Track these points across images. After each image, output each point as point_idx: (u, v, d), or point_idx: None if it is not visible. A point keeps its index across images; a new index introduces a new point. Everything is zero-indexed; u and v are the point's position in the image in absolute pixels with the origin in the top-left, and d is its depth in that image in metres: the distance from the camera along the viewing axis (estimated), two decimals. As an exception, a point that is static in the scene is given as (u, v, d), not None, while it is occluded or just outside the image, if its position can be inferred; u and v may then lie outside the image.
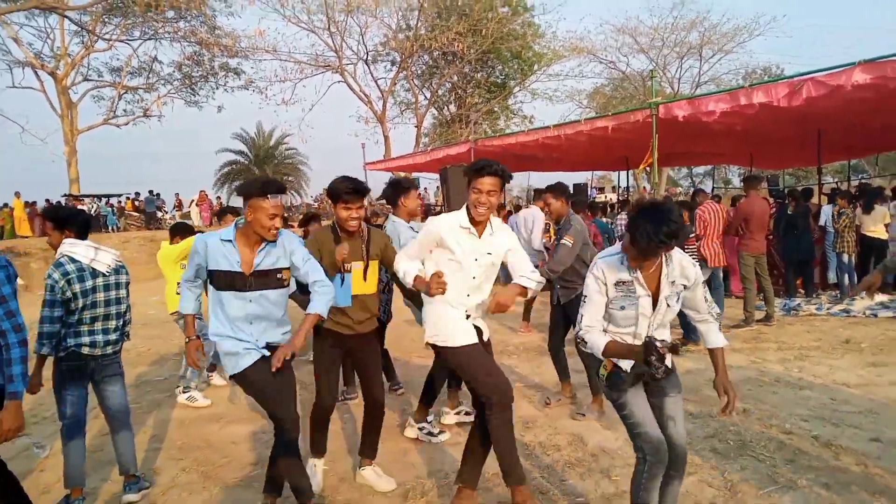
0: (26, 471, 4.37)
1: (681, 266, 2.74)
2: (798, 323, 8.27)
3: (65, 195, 26.96)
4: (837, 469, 3.78)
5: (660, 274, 2.72)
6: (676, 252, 2.74)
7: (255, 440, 4.80)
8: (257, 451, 4.56)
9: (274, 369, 3.14)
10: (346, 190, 3.60)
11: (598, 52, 31.16)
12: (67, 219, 3.71)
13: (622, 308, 2.70)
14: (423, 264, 3.46)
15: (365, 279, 3.75)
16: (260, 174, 41.07)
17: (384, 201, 3.69)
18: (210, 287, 3.26)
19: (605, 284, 2.72)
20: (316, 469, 3.88)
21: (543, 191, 5.53)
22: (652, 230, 2.47)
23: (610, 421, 4.78)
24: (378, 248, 3.82)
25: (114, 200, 28.85)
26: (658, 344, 2.43)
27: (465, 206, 3.31)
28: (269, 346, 3.29)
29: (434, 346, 3.39)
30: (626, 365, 2.74)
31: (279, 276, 3.27)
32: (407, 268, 3.46)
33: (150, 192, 28.39)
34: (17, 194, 24.84)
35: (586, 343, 2.75)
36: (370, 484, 3.84)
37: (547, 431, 4.66)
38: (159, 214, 27.47)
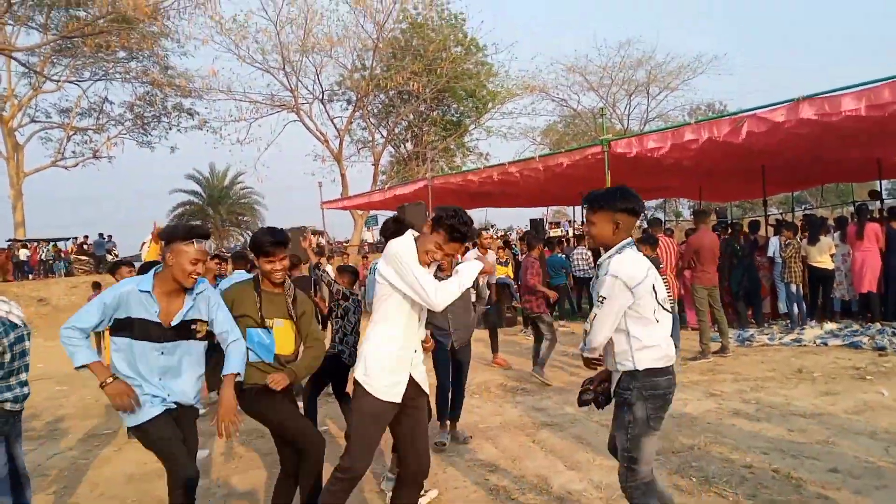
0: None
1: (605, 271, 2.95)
2: (752, 353, 8.42)
3: (9, 240, 26.09)
4: (800, 502, 3.79)
5: None
6: (612, 259, 2.92)
7: (207, 495, 4.60)
8: (211, 507, 4.36)
9: (220, 436, 3.07)
10: (268, 242, 3.42)
11: (549, 90, 32.01)
12: None
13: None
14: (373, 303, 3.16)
15: (285, 339, 3.53)
16: (214, 215, 40.62)
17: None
18: (115, 337, 3.06)
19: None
20: None
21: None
22: None
23: (574, 461, 4.75)
24: (301, 311, 3.55)
25: (62, 244, 27.99)
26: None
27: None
28: (178, 405, 3.16)
29: (356, 385, 3.09)
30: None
31: (193, 326, 3.14)
32: (453, 285, 3.00)
33: (100, 234, 27.68)
34: (-42, 239, 23.92)
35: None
36: None
37: (512, 474, 4.59)
38: (109, 257, 26.70)
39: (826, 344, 8.53)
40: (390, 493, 4.24)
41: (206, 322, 3.20)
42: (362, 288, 13.14)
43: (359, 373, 3.08)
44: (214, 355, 3.44)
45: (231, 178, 41.60)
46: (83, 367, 2.91)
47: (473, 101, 28.95)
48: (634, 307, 2.78)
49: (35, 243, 26.14)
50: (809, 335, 8.96)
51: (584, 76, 32.66)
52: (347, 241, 30.23)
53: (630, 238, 2.92)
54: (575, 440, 5.26)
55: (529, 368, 8.26)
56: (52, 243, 27.35)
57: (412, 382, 3.11)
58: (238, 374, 3.17)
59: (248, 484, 4.76)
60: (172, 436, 3.09)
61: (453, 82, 26.74)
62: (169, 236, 3.07)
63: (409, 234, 3.12)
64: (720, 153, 9.71)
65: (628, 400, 2.83)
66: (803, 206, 30.20)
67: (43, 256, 25.94)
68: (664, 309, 2.86)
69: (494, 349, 8.78)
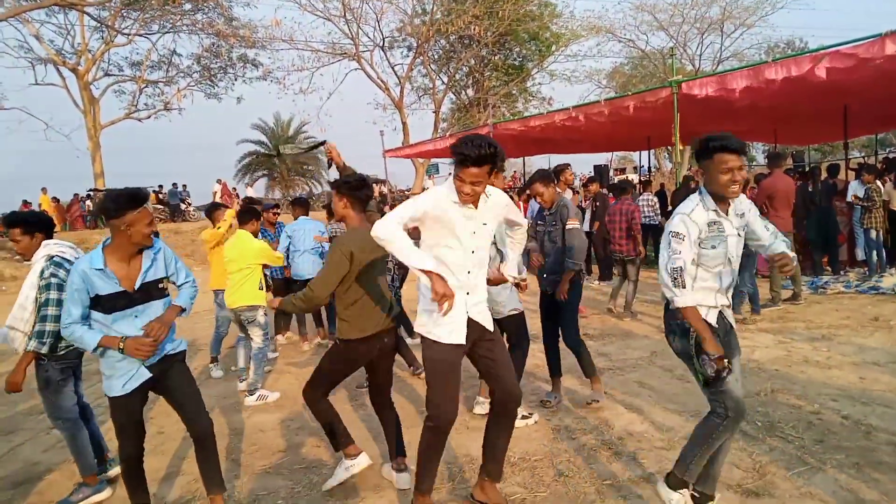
0: (61, 461, 4.48)
1: (739, 200, 2.97)
2: (826, 301, 8.15)
3: (90, 190, 27.38)
4: (868, 449, 3.73)
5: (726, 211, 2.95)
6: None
7: (282, 428, 4.87)
8: (286, 439, 4.62)
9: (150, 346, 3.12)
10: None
11: (616, 30, 30.78)
12: (39, 221, 3.78)
13: (713, 247, 2.89)
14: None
15: None
16: (280, 164, 41.41)
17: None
18: (93, 314, 3.10)
19: (699, 230, 2.87)
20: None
21: (529, 181, 5.04)
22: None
23: (634, 405, 4.77)
24: None
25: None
26: (710, 357, 2.78)
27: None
28: (162, 360, 3.27)
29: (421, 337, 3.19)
30: (711, 317, 2.95)
31: (160, 285, 3.26)
32: (405, 242, 2.91)
33: (174, 184, 28.68)
34: (44, 190, 25.29)
35: (675, 297, 2.87)
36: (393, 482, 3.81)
37: (572, 415, 4.66)
38: (183, 206, 27.75)
39: (906, 292, 8.16)
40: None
41: (168, 278, 3.33)
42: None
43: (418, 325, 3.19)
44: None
45: (295, 127, 42.07)
46: (97, 348, 3.05)
47: (536, 44, 28.16)
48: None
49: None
50: (888, 283, 8.58)
51: (653, 15, 31.20)
52: (409, 190, 30.39)
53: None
54: (637, 384, 5.27)
55: (594, 313, 8.27)
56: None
57: (473, 324, 3.15)
58: (182, 307, 3.36)
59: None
60: (131, 420, 3.21)
61: (515, 25, 26.01)
62: (114, 210, 3.02)
63: (438, 186, 3.18)
64: (799, 93, 9.20)
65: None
66: (887, 149, 28.47)
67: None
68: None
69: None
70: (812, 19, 78.50)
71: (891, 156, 17.42)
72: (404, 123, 27.91)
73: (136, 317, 3.16)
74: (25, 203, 25.01)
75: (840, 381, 4.99)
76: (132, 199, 3.05)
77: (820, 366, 5.43)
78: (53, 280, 3.56)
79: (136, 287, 3.15)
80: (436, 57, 29.33)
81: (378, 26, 26.64)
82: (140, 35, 26.88)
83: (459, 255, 3.08)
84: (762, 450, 3.81)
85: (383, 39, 27.09)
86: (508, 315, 4.57)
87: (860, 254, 9.90)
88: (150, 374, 3.20)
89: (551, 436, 4.29)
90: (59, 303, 3.49)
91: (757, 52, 31.94)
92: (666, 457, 3.81)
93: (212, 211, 6.81)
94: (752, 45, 33.24)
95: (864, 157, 20.54)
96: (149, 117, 28.97)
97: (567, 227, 4.79)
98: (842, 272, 9.79)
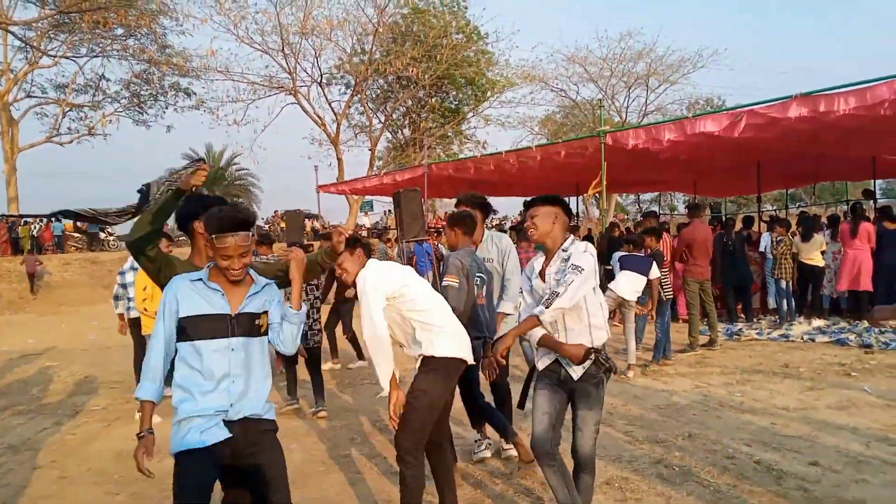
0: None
1: (571, 253, 3.17)
2: (740, 347, 8.49)
3: (2, 215, 25.96)
4: (779, 494, 3.85)
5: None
6: (576, 244, 3.19)
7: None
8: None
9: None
10: None
11: (549, 80, 31.84)
12: None
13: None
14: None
15: None
16: (210, 194, 40.42)
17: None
18: (180, 342, 2.57)
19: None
20: None
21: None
22: None
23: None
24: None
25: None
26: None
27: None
28: (244, 422, 2.55)
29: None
30: (540, 364, 3.25)
31: (258, 321, 2.65)
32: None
33: (94, 212, 27.52)
34: (-50, 214, 23.78)
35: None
36: None
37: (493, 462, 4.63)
38: (102, 235, 26.62)
39: (813, 340, 8.60)
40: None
41: (267, 314, 2.71)
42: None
43: None
44: None
45: (227, 159, 41.33)
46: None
47: (472, 89, 28.82)
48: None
49: (30, 219, 25.97)
50: (797, 331, 9.04)
51: (583, 67, 32.51)
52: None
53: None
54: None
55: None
56: (42, 220, 27.15)
57: None
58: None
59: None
60: (198, 488, 2.49)
61: (453, 69, 26.59)
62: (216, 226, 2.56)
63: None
64: (716, 148, 9.72)
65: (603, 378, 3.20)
66: (797, 204, 30.36)
67: (35, 232, 25.79)
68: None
69: None
70: (730, 80, 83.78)
71: (801, 210, 18.55)
72: (340, 160, 27.87)
73: (233, 350, 2.59)
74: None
75: (753, 426, 5.17)
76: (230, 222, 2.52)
77: (735, 410, 5.61)
78: None
79: (236, 313, 2.60)
80: (373, 96, 29.60)
81: (316, 62, 26.74)
82: (67, 58, 26.05)
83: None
84: (679, 494, 3.88)
85: (321, 76, 27.18)
86: None
87: (772, 302, 10.40)
88: (226, 433, 2.51)
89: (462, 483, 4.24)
90: None
91: (679, 108, 33.67)
92: None
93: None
94: (674, 100, 34.98)
95: (775, 210, 21.78)
96: (71, 142, 27.95)
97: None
98: (755, 320, 10.25)
